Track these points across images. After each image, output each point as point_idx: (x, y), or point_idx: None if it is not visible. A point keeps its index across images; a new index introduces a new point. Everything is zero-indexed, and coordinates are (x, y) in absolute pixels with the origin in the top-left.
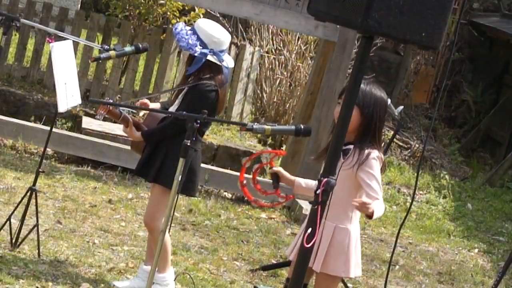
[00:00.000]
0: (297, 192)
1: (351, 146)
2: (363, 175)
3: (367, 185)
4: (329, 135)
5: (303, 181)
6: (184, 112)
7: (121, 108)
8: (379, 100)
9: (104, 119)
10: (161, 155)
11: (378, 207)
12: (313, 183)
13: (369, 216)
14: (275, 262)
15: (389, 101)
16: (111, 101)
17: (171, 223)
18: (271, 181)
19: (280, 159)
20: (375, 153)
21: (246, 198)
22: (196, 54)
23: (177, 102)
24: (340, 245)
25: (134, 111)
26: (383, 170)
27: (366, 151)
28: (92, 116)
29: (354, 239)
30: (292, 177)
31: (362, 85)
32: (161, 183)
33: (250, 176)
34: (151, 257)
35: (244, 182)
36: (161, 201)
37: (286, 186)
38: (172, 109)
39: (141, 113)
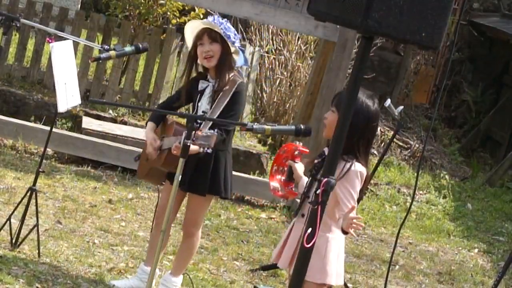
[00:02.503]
0: (299, 190)
1: None
2: (341, 191)
3: (343, 202)
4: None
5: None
6: (184, 112)
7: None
8: (362, 109)
9: (105, 119)
10: (208, 166)
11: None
12: None
13: (346, 232)
14: (275, 262)
15: (389, 101)
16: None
17: (166, 224)
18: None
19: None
20: (358, 167)
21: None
22: (237, 48)
23: (205, 104)
24: (317, 251)
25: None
26: (364, 187)
27: (348, 164)
28: (92, 116)
29: (335, 248)
30: (301, 175)
31: None
32: (215, 193)
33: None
34: (153, 258)
35: (275, 168)
36: (205, 208)
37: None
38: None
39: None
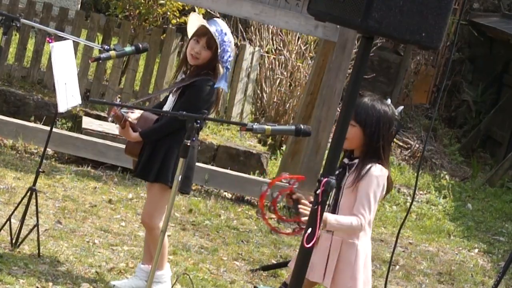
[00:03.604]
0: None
1: (357, 161)
2: (360, 190)
3: (358, 201)
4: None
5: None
6: (184, 112)
7: (122, 110)
8: (382, 117)
9: (105, 119)
10: (161, 154)
11: (343, 220)
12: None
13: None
14: (275, 262)
15: (389, 101)
16: (119, 101)
17: (167, 223)
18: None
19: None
20: (377, 170)
21: (260, 215)
22: (224, 66)
23: (171, 99)
24: (347, 259)
25: (129, 111)
26: (389, 188)
27: (368, 166)
28: (92, 116)
29: (363, 255)
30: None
31: (365, 100)
32: (163, 181)
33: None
34: (148, 256)
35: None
36: (160, 199)
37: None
38: (167, 107)
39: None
